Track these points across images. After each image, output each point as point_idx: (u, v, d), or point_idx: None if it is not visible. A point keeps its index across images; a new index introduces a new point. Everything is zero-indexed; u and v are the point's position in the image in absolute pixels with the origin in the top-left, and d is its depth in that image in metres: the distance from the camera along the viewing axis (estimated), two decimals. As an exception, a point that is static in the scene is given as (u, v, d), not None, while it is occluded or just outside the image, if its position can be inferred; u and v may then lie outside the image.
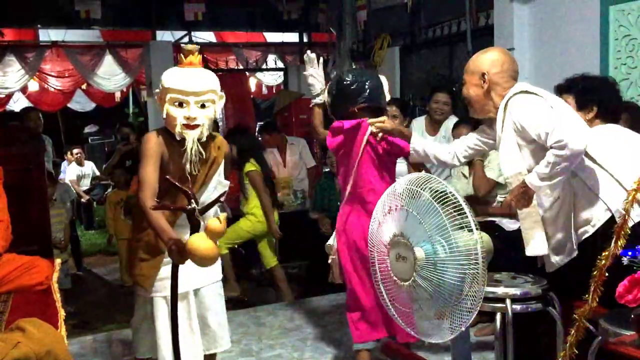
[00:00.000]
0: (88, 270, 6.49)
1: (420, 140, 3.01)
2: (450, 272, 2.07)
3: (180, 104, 2.62)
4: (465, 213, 2.04)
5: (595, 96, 2.74)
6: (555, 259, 2.53)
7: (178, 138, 2.65)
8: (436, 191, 2.20)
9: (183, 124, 2.62)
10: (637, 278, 1.82)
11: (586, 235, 2.47)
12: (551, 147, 2.29)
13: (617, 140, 2.63)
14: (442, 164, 3.01)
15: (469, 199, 3.52)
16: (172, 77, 2.65)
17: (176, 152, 2.68)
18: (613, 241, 1.86)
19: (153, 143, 2.65)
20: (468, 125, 4.05)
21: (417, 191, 2.20)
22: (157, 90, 2.72)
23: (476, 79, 2.60)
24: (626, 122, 2.97)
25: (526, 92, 2.48)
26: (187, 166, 2.69)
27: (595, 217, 2.44)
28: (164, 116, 2.67)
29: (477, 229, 2.03)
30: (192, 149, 2.65)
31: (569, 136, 2.25)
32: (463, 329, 2.15)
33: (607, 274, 1.88)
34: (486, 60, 2.61)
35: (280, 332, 4.19)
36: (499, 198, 4.08)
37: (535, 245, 2.53)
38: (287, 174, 5.96)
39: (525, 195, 2.44)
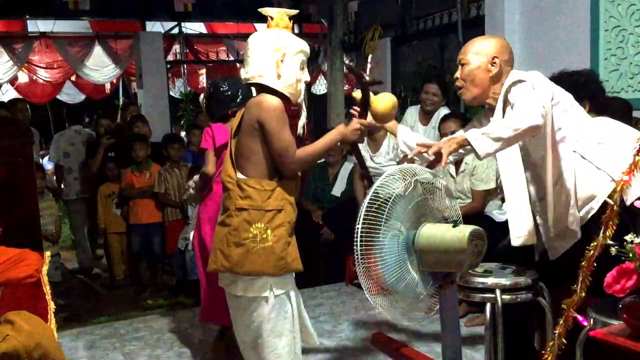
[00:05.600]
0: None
1: (409, 134, 2.87)
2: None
3: (303, 68, 2.53)
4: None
5: (586, 90, 2.75)
6: (560, 243, 2.46)
7: (298, 101, 2.59)
8: (425, 182, 2.23)
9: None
10: (625, 268, 1.83)
11: (592, 213, 2.39)
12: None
13: (614, 129, 2.63)
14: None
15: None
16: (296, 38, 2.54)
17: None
18: (602, 231, 1.87)
19: (280, 107, 2.45)
20: (456, 120, 4.07)
21: (408, 181, 2.22)
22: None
23: (484, 61, 2.51)
24: (614, 115, 2.99)
25: (522, 80, 2.42)
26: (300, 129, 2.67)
27: (599, 190, 2.37)
28: (288, 78, 2.49)
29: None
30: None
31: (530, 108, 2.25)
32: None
33: (595, 264, 1.89)
34: (496, 45, 2.54)
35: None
36: (492, 203, 4.15)
37: (524, 235, 2.44)
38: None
39: (458, 146, 2.27)
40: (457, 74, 2.61)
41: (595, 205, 2.39)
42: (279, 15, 2.51)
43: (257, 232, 2.41)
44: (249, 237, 2.41)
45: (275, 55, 2.44)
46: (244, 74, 2.52)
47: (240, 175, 2.47)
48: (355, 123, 2.50)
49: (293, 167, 2.45)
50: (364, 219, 2.17)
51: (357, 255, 2.18)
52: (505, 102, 2.47)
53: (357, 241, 2.16)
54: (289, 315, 2.51)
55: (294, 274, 2.57)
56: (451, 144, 2.24)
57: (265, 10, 2.53)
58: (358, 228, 2.14)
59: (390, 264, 2.17)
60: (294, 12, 2.55)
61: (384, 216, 2.17)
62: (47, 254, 3.22)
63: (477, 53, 2.54)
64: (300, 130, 2.71)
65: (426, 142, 2.52)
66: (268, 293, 2.44)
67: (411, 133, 2.89)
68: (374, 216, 2.18)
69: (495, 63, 2.51)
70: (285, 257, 2.43)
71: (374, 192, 2.24)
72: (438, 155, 2.25)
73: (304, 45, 2.52)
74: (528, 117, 2.21)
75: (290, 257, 2.45)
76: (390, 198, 2.20)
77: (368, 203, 2.17)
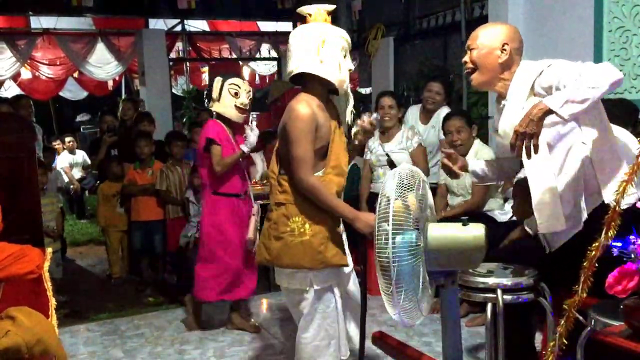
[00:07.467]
0: (78, 259, 6.48)
1: (476, 163, 2.78)
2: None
3: (345, 55, 2.51)
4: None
5: None
6: (559, 235, 2.42)
7: (344, 87, 2.54)
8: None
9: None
10: (627, 269, 1.83)
11: (600, 202, 2.34)
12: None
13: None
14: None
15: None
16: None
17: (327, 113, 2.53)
18: (603, 232, 1.86)
19: (307, 118, 2.41)
20: (461, 117, 4.07)
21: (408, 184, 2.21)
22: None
23: (495, 46, 2.43)
24: (618, 116, 2.96)
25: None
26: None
27: (612, 178, 2.32)
28: (330, 62, 2.44)
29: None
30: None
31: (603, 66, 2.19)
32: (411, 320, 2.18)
33: (597, 265, 1.88)
34: (506, 31, 2.47)
35: (273, 321, 4.20)
36: (494, 202, 4.14)
37: (552, 220, 2.34)
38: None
39: (539, 121, 2.11)
40: (466, 59, 2.52)
41: (604, 195, 2.33)
42: (317, 11, 2.51)
43: (294, 225, 2.44)
44: (287, 230, 2.44)
45: (315, 42, 2.42)
46: (286, 70, 2.52)
47: (281, 171, 2.54)
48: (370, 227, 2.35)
49: (299, 182, 2.41)
50: (393, 222, 2.11)
51: (379, 257, 2.13)
52: (531, 92, 2.35)
53: (379, 243, 2.11)
54: (332, 310, 2.52)
55: (344, 268, 2.57)
56: (537, 124, 2.10)
57: (302, 10, 2.56)
58: (389, 230, 2.09)
59: (408, 264, 2.16)
60: (332, 7, 2.53)
61: (412, 218, 2.14)
62: (49, 250, 3.21)
63: (487, 39, 2.45)
64: (349, 117, 2.69)
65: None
66: (308, 287, 2.47)
67: (477, 161, 2.84)
68: (403, 218, 2.15)
69: (505, 50, 2.43)
70: (323, 252, 2.43)
71: (397, 192, 2.19)
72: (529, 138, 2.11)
73: (344, 33, 2.51)
74: (608, 72, 2.12)
75: (330, 252, 2.44)
76: (406, 198, 2.18)
77: (395, 208, 2.12)
